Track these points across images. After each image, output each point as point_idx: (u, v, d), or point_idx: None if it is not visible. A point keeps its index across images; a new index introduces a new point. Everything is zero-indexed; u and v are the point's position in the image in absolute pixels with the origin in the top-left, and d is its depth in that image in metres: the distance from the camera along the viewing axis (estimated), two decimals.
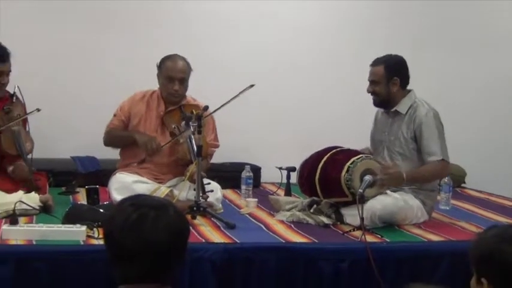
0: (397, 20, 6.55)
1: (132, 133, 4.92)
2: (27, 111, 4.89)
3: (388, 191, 4.56)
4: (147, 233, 2.23)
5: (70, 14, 5.93)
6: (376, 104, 4.80)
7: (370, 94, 4.77)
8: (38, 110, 4.69)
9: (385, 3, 6.50)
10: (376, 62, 4.75)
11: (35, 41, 5.81)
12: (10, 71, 4.74)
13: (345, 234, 4.27)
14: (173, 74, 4.84)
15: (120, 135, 4.99)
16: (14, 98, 4.85)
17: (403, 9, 6.54)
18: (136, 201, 2.33)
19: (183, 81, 4.87)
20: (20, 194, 4.54)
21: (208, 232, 4.16)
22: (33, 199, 4.53)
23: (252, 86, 4.53)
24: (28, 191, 4.61)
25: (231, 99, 4.55)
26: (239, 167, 5.54)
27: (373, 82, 4.74)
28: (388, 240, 4.21)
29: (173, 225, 2.29)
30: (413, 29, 6.57)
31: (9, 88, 4.84)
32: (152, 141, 4.79)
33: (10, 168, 4.71)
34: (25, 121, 4.93)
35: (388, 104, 4.78)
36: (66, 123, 5.68)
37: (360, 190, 4.22)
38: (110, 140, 5.02)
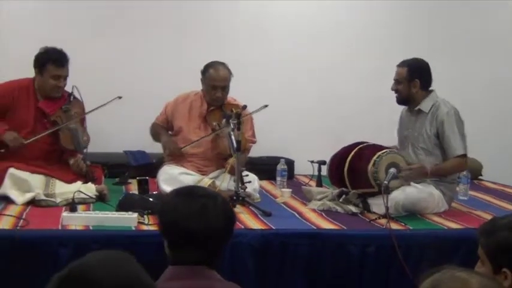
0: (418, 19, 6.45)
1: (162, 133, 5.02)
2: (85, 108, 4.93)
3: (411, 182, 4.52)
4: (211, 220, 2.28)
5: (121, 20, 5.95)
6: (398, 101, 4.78)
7: (394, 92, 4.75)
8: (120, 97, 4.79)
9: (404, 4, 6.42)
10: (401, 63, 4.74)
11: (92, 44, 5.85)
12: (67, 75, 4.77)
13: (371, 222, 4.25)
14: (216, 83, 4.84)
15: (155, 132, 5.08)
16: (72, 97, 4.88)
17: (423, 10, 6.45)
18: (192, 192, 2.38)
19: (225, 88, 4.88)
20: (78, 185, 4.59)
21: (246, 219, 4.17)
22: (90, 189, 4.57)
23: (266, 106, 4.70)
24: (85, 182, 4.65)
25: (253, 112, 4.79)
26: (275, 160, 5.53)
27: (396, 81, 4.73)
28: (411, 227, 4.18)
29: (227, 212, 2.35)
30: (433, 29, 6.48)
31: (67, 88, 4.87)
32: (171, 144, 4.88)
33: (70, 162, 4.74)
34: (83, 119, 4.97)
35: (409, 103, 4.76)
36: (120, 121, 5.71)
37: (385, 182, 4.20)
38: (152, 132, 5.12)
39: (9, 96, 4.74)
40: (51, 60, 4.68)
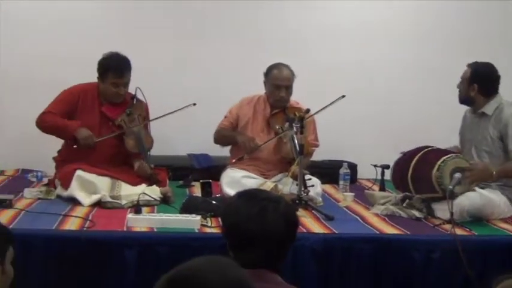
0: (483, 20, 6.34)
1: (234, 133, 4.98)
2: (149, 110, 5.00)
3: (476, 188, 4.45)
4: (270, 222, 2.29)
5: (188, 25, 6.02)
6: (459, 99, 4.76)
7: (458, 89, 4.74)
8: (194, 104, 4.86)
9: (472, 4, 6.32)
10: (470, 64, 4.71)
11: (157, 48, 5.93)
12: (128, 82, 4.83)
13: (436, 227, 4.20)
14: (279, 82, 4.87)
15: (226, 135, 5.04)
16: (135, 100, 4.95)
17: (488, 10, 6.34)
18: (254, 195, 2.40)
19: (288, 88, 4.89)
20: (143, 187, 4.66)
21: (309, 223, 4.17)
22: (154, 191, 4.64)
23: (343, 96, 4.65)
24: (150, 185, 4.73)
25: (326, 107, 4.71)
26: (338, 164, 5.51)
27: (461, 79, 4.70)
28: (476, 233, 4.11)
29: (288, 216, 2.35)
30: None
31: (131, 90, 4.94)
32: (250, 141, 4.83)
33: (135, 166, 4.82)
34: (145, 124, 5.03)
35: (468, 104, 4.74)
36: (184, 124, 5.77)
37: (450, 187, 4.15)
38: (218, 138, 5.08)
39: (74, 100, 4.84)
40: (111, 68, 4.76)
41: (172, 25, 6.00)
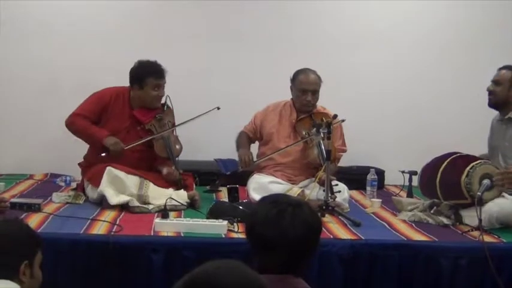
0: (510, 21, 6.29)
1: (240, 144, 5.07)
2: (175, 118, 5.05)
3: (505, 194, 4.42)
4: (286, 227, 2.29)
5: (214, 30, 6.06)
6: (491, 104, 4.70)
7: (488, 93, 4.67)
8: (218, 108, 4.92)
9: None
10: (505, 67, 4.68)
11: (189, 58, 5.97)
12: (164, 85, 4.91)
13: (464, 234, 4.17)
14: (306, 86, 4.89)
15: (240, 141, 5.13)
16: (165, 107, 5.02)
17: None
18: (275, 199, 2.40)
19: (315, 93, 4.91)
20: (170, 191, 4.69)
21: (336, 229, 4.17)
22: (181, 196, 4.67)
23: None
24: (178, 189, 4.76)
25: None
26: (365, 170, 5.50)
27: (496, 82, 4.65)
28: (504, 240, 4.08)
29: (308, 221, 2.34)
30: None
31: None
32: (245, 155, 4.90)
33: (164, 172, 4.86)
34: (173, 130, 5.07)
35: (500, 107, 4.68)
36: (211, 129, 5.80)
37: (479, 193, 4.12)
38: (236, 140, 5.17)
39: (105, 103, 4.90)
40: (151, 74, 4.84)
41: (197, 30, 6.03)
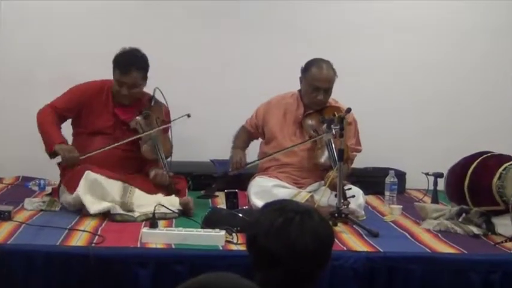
0: None
1: (234, 144, 5.10)
2: (171, 112, 5.04)
3: None
4: (292, 238, 2.27)
5: (214, 21, 6.09)
6: None
7: None
8: (189, 115, 4.86)
9: None
10: None
11: (180, 44, 6.01)
12: (136, 83, 4.84)
13: (497, 246, 4.17)
14: (318, 83, 4.84)
15: (238, 136, 5.16)
16: (153, 101, 4.99)
17: None
18: (281, 206, 2.37)
19: (328, 91, 4.88)
20: (159, 197, 4.69)
21: (350, 240, 4.16)
22: (172, 202, 4.67)
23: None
24: (168, 195, 4.75)
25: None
26: (383, 172, 5.50)
27: None
28: None
29: (318, 232, 2.32)
30: None
31: (149, 90, 5.01)
32: (237, 159, 4.91)
33: (151, 175, 4.86)
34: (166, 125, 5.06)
35: None
36: (206, 126, 5.80)
37: None
38: (235, 135, 5.18)
39: (83, 99, 4.91)
40: (117, 65, 4.83)
41: (199, 16, 6.07)
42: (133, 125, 4.90)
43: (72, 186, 4.62)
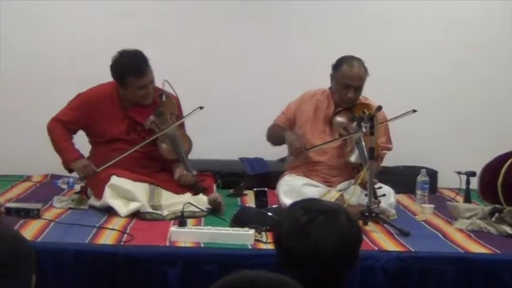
0: None
1: (284, 130, 4.93)
2: (181, 105, 5.01)
3: None
4: (315, 238, 2.24)
5: (231, 16, 6.08)
6: None
7: None
8: (201, 107, 4.74)
9: None
10: None
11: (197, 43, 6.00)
12: (153, 78, 4.78)
13: None
14: (349, 81, 4.81)
15: (275, 132, 5.00)
16: (163, 96, 4.93)
17: None
18: (306, 205, 2.35)
19: (358, 89, 4.84)
20: (187, 196, 4.69)
21: (380, 239, 4.14)
22: (201, 201, 4.66)
23: (414, 111, 4.60)
24: (195, 194, 4.75)
25: (393, 119, 4.73)
26: (414, 170, 5.47)
27: None
28: None
29: (343, 232, 2.28)
30: None
31: (157, 84, 4.94)
32: (296, 141, 4.78)
33: (175, 176, 4.84)
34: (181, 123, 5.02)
35: None
36: (235, 124, 5.80)
37: None
38: (269, 134, 5.06)
39: (90, 106, 4.83)
40: (130, 72, 4.70)
41: (210, 17, 6.07)
42: (149, 125, 4.85)
43: (98, 193, 4.64)
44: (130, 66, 4.71)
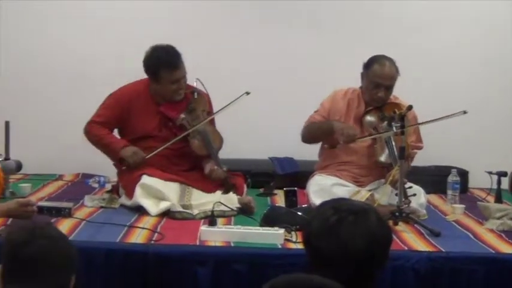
0: None
1: (329, 121, 4.88)
2: (211, 103, 5.04)
3: None
4: (344, 238, 2.25)
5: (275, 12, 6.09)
6: None
7: None
8: (247, 93, 4.78)
9: None
10: None
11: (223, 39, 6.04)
12: (185, 73, 4.83)
13: None
14: (380, 80, 4.80)
15: (318, 127, 4.93)
16: (195, 93, 4.96)
17: None
18: (336, 205, 2.35)
19: (389, 88, 4.83)
20: (218, 195, 4.71)
21: (411, 239, 4.13)
22: (231, 200, 4.68)
23: (465, 112, 4.58)
24: (225, 191, 4.77)
25: (440, 119, 4.66)
26: (445, 170, 5.46)
27: None
28: None
29: (373, 232, 2.29)
30: None
31: (189, 82, 4.98)
32: (350, 129, 4.76)
33: (206, 171, 4.87)
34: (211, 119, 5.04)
35: None
36: (264, 124, 5.80)
37: None
38: (308, 132, 5.00)
39: (124, 104, 4.89)
40: (163, 66, 4.75)
41: (258, 12, 6.09)
42: (180, 121, 4.88)
43: (129, 192, 4.69)
44: (163, 60, 4.77)
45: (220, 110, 4.93)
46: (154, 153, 4.76)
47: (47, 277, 2.28)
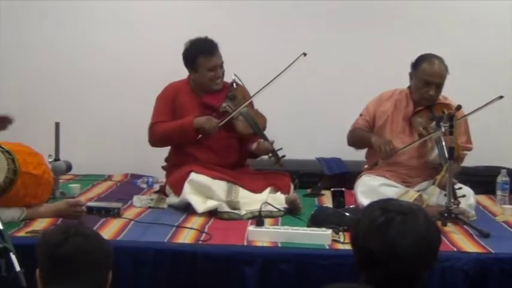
0: None
1: (369, 134, 4.91)
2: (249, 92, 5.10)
3: None
4: (391, 239, 2.24)
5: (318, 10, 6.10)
6: None
7: None
8: (304, 54, 4.91)
9: None
10: None
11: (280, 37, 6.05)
12: (222, 62, 4.96)
13: None
14: (430, 78, 4.78)
15: (359, 136, 4.97)
16: (235, 84, 5.07)
17: None
18: (384, 205, 2.34)
19: (439, 86, 4.81)
20: (264, 195, 4.73)
21: (460, 240, 4.10)
22: (278, 200, 4.70)
23: (501, 97, 4.50)
24: (276, 162, 4.85)
25: (480, 108, 4.59)
26: (494, 170, 5.40)
27: None
28: None
29: (421, 232, 2.27)
30: None
31: (227, 78, 5.07)
32: (387, 144, 4.75)
33: (254, 146, 4.96)
34: (251, 104, 5.12)
35: None
36: (312, 125, 5.80)
37: None
38: (351, 139, 5.03)
39: (171, 100, 5.02)
40: (200, 53, 4.92)
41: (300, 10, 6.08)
42: (223, 109, 4.97)
43: (178, 189, 4.73)
44: (200, 47, 4.95)
45: (278, 74, 4.97)
46: (225, 121, 4.86)
47: (84, 275, 2.31)
